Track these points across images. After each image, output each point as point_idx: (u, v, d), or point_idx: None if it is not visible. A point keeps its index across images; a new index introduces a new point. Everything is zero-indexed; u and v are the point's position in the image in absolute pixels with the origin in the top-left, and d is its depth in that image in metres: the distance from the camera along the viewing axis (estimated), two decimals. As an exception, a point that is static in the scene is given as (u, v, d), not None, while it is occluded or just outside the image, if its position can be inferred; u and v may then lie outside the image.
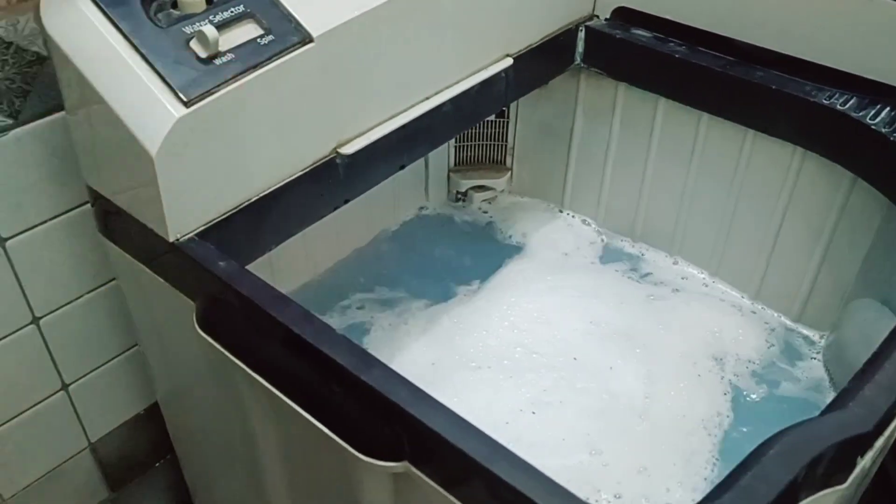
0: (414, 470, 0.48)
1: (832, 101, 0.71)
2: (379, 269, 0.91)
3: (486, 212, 1.00)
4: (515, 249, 0.94)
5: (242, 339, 0.54)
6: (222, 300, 0.55)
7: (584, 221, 0.97)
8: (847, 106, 0.71)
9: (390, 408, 0.47)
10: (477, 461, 0.43)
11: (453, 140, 0.97)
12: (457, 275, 0.91)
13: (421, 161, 0.96)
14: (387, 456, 0.48)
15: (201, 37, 0.54)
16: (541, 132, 0.95)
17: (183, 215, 0.56)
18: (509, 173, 0.99)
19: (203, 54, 0.54)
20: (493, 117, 0.95)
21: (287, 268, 0.85)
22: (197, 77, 0.54)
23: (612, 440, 0.72)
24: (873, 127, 0.68)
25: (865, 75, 0.71)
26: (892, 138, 0.67)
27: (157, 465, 0.90)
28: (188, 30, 0.55)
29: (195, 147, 0.54)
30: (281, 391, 0.52)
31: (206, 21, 0.55)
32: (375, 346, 0.83)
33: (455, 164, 0.99)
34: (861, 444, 0.46)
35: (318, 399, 0.51)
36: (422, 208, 0.99)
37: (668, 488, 0.69)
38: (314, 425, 0.51)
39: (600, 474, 0.69)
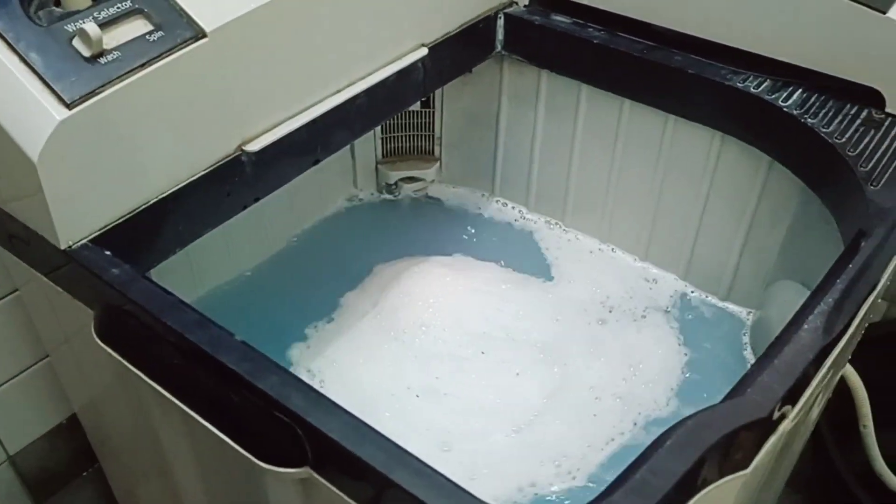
0: (316, 476, 0.47)
1: (746, 84, 0.71)
2: (306, 266, 0.89)
3: (416, 203, 0.98)
4: (446, 239, 0.93)
5: (140, 348, 0.53)
6: (118, 308, 0.53)
7: (515, 209, 0.97)
8: (761, 89, 0.71)
9: (288, 414, 0.45)
10: (373, 467, 0.42)
11: (380, 132, 0.95)
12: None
13: (347, 154, 0.95)
14: (288, 463, 0.47)
15: (83, 35, 0.52)
16: (467, 121, 0.94)
17: (74, 221, 0.54)
18: (438, 163, 0.98)
19: (87, 53, 0.52)
20: (418, 107, 0.93)
21: (208, 267, 0.83)
22: (80, 77, 0.51)
23: (467, 444, 0.72)
24: (785, 109, 0.68)
25: (779, 58, 0.71)
26: (802, 121, 0.67)
27: (84, 475, 0.87)
28: (70, 28, 0.52)
29: (81, 150, 0.52)
30: (181, 400, 0.51)
31: (90, 18, 0.53)
32: (300, 340, 0.82)
33: (383, 156, 0.97)
34: (760, 429, 0.46)
35: (218, 407, 0.50)
36: (351, 201, 0.98)
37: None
38: (215, 434, 0.49)
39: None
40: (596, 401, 0.76)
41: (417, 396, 0.76)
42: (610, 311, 0.85)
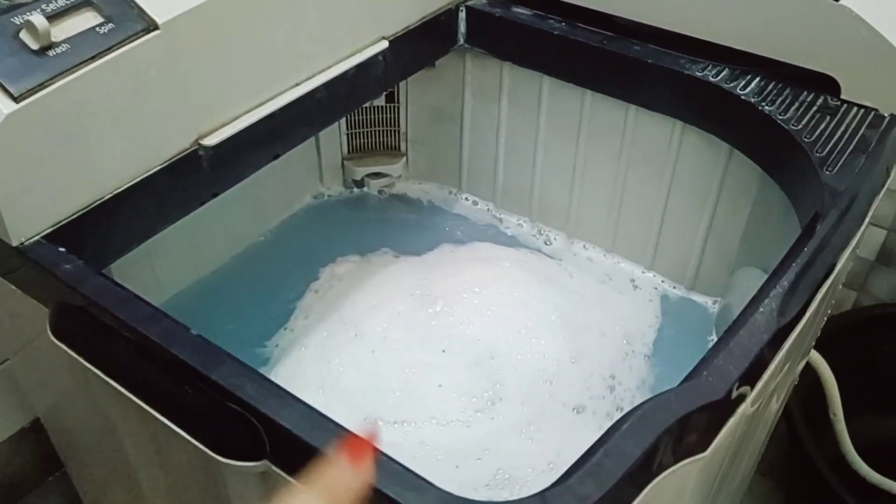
0: (274, 468, 0.46)
1: (705, 73, 0.72)
2: (272, 265, 0.89)
3: (383, 199, 0.98)
4: (418, 236, 0.93)
5: (95, 344, 0.52)
6: (72, 305, 0.52)
7: (482, 204, 0.97)
8: (719, 77, 0.71)
9: (242, 405, 0.45)
10: (326, 454, 0.42)
11: (345, 127, 0.95)
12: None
13: (313, 151, 0.94)
14: (244, 456, 0.46)
15: (31, 27, 0.51)
16: (432, 115, 0.94)
17: (26, 218, 0.53)
18: (404, 158, 0.97)
19: (34, 46, 0.51)
20: (383, 102, 0.93)
21: (171, 267, 0.82)
22: (28, 70, 0.50)
23: (328, 397, 0.72)
24: (743, 97, 0.69)
25: (736, 46, 0.71)
26: (760, 108, 0.67)
27: (50, 479, 0.86)
28: (17, 20, 0.52)
29: (31, 145, 0.51)
30: (137, 396, 0.50)
31: (37, 10, 0.52)
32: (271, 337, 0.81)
33: (349, 152, 0.97)
34: (716, 412, 0.46)
35: (174, 402, 0.49)
36: (318, 199, 0.97)
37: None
38: (172, 429, 0.49)
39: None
40: (476, 461, 0.70)
41: (354, 336, 0.77)
42: (605, 394, 0.75)
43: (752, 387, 0.49)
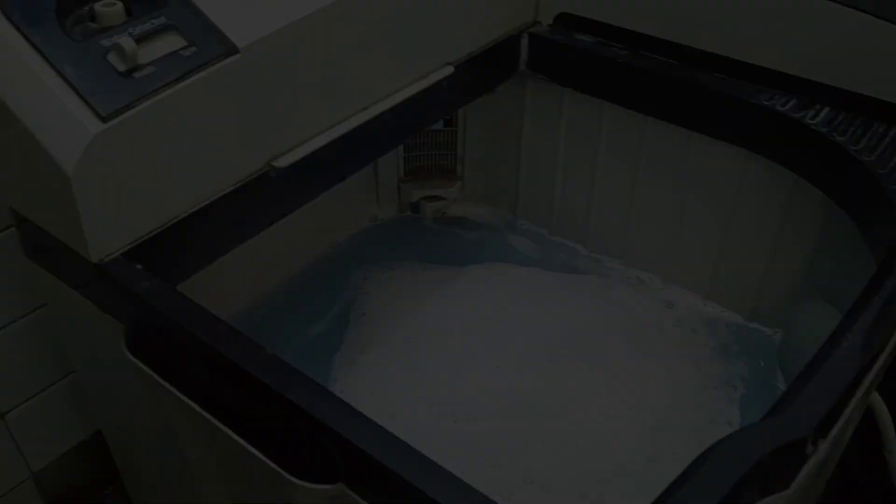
0: (349, 492, 0.46)
1: (772, 102, 0.71)
2: (330, 285, 0.89)
3: (438, 221, 0.98)
4: (468, 259, 0.93)
5: (170, 361, 0.52)
6: (149, 321, 0.53)
7: (537, 229, 0.96)
8: (787, 107, 0.70)
9: (319, 427, 0.45)
10: (408, 481, 0.42)
11: (402, 150, 0.96)
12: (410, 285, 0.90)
13: (370, 173, 0.95)
14: (320, 478, 0.46)
15: (119, 50, 0.52)
16: (490, 140, 0.94)
17: (106, 235, 0.54)
18: (460, 182, 0.98)
19: (121, 68, 0.52)
20: (441, 126, 0.94)
21: (234, 285, 0.82)
22: (115, 91, 0.52)
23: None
24: (813, 127, 0.68)
25: (805, 76, 0.70)
26: (830, 138, 0.67)
27: (106, 492, 0.87)
28: (106, 43, 0.53)
29: (115, 164, 0.52)
30: (210, 413, 0.50)
31: (125, 33, 0.53)
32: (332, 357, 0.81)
33: (405, 175, 0.97)
34: (800, 448, 0.45)
35: (248, 420, 0.49)
36: (374, 220, 0.98)
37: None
38: (246, 449, 0.49)
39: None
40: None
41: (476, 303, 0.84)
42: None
43: (834, 423, 0.48)
